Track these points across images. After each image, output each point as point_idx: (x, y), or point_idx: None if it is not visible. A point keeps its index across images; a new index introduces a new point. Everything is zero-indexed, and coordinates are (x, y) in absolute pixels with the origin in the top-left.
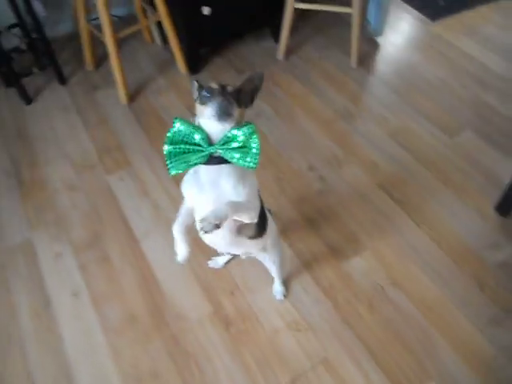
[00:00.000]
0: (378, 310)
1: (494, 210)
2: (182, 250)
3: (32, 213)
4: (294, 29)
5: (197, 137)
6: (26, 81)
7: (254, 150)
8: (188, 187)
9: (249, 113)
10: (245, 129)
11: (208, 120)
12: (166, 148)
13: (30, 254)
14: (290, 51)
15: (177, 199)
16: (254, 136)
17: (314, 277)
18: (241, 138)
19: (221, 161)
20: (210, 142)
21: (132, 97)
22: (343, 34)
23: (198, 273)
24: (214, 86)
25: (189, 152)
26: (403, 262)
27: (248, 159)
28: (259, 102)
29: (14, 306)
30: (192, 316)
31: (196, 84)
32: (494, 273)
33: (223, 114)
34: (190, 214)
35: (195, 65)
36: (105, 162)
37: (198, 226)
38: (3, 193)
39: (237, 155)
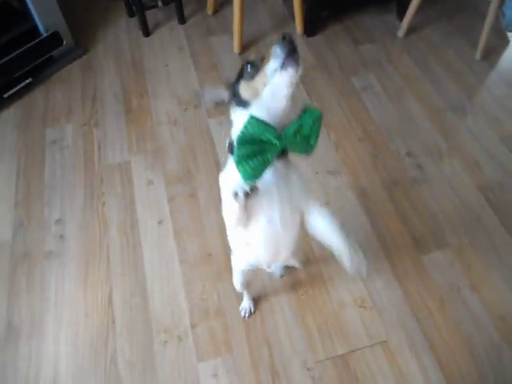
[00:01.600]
0: (450, 309)
1: None
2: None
3: (134, 138)
4: (421, 8)
5: (267, 133)
6: (148, 13)
7: (314, 139)
8: (239, 206)
9: (357, 85)
10: (313, 114)
11: (273, 83)
12: (239, 151)
13: (127, 176)
14: (411, 30)
15: None
16: (319, 123)
17: (390, 262)
18: (309, 127)
19: (285, 153)
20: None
21: (245, 47)
22: (471, 23)
23: None
24: (252, 57)
25: (261, 152)
26: (486, 267)
27: (307, 148)
28: (369, 76)
29: (106, 218)
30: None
31: (244, 69)
32: None
33: (295, 53)
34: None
35: (313, 27)
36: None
37: (362, 274)
38: (111, 115)
39: (301, 145)
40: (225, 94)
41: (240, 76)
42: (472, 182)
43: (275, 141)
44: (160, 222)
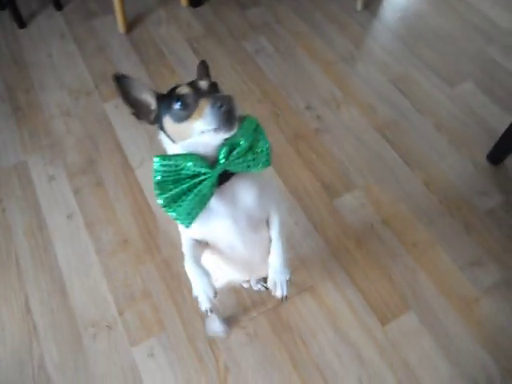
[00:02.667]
0: (366, 246)
1: (486, 160)
2: (204, 287)
3: (27, 136)
4: None
5: (190, 165)
6: (20, 3)
7: (265, 148)
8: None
9: (249, 49)
10: (245, 127)
11: (200, 136)
12: (161, 199)
13: (25, 177)
14: None
15: None
16: (260, 130)
17: (306, 212)
18: (245, 142)
19: (228, 174)
20: (209, 161)
21: (130, 26)
22: None
23: None
24: (184, 90)
25: (193, 188)
26: (393, 201)
27: (260, 160)
28: (260, 38)
29: (9, 224)
30: None
31: (151, 93)
32: (482, 219)
33: (231, 120)
34: (199, 248)
35: None
36: (101, 90)
37: (277, 294)
38: None
39: (247, 162)
40: (152, 101)
41: (168, 104)
42: (369, 124)
43: (206, 170)
44: (69, 217)
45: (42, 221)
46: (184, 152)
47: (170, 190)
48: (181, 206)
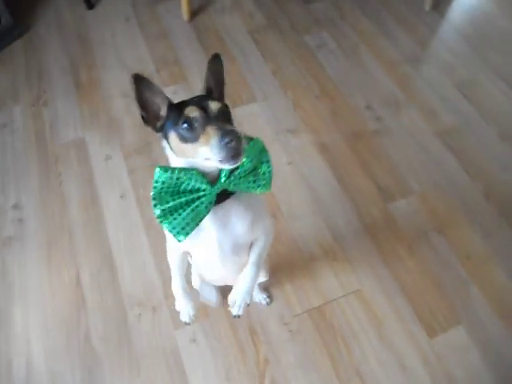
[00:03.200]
0: (418, 253)
1: None
2: (187, 308)
3: (87, 114)
4: None
5: (191, 180)
6: None
7: (267, 171)
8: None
9: (311, 43)
10: (251, 148)
11: (203, 161)
12: (158, 209)
13: (83, 153)
14: None
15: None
16: (265, 154)
17: (358, 213)
18: (249, 162)
19: (226, 193)
20: (209, 178)
21: (194, 13)
22: None
23: None
24: (194, 113)
25: (190, 202)
26: (449, 210)
27: (261, 182)
28: (322, 34)
29: (65, 197)
30: None
31: (165, 99)
32: None
33: (236, 156)
34: (184, 260)
35: None
36: (161, 74)
37: (232, 311)
38: (60, 92)
39: (248, 183)
40: (163, 108)
41: (175, 120)
42: (430, 129)
43: (206, 187)
44: (122, 196)
45: (95, 197)
46: (185, 166)
47: (167, 203)
48: (176, 219)
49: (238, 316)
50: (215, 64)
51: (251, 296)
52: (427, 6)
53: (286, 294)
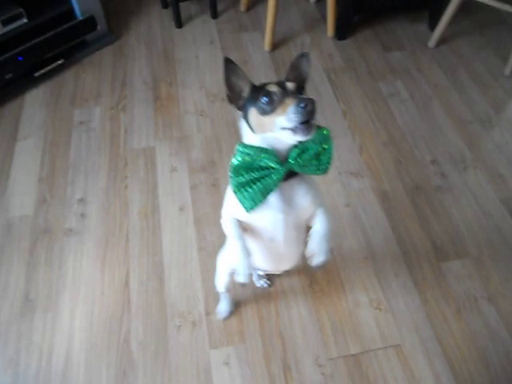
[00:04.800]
0: (466, 319)
1: None
2: (246, 265)
3: (160, 125)
4: (454, 20)
5: (265, 158)
6: (181, 5)
7: (328, 159)
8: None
9: (385, 91)
10: (318, 136)
11: (279, 132)
12: (234, 181)
13: (151, 161)
14: (442, 41)
15: None
16: (329, 143)
17: (409, 267)
18: (315, 147)
19: (290, 173)
20: (280, 158)
21: (275, 46)
22: (503, 38)
23: None
24: (273, 88)
25: (261, 178)
26: (505, 280)
27: (321, 168)
28: (397, 83)
29: (128, 201)
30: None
31: (248, 82)
32: None
33: (310, 123)
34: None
35: (344, 30)
36: None
37: (314, 260)
38: (139, 100)
39: (310, 166)
40: (246, 89)
41: (256, 98)
42: (495, 194)
43: (277, 166)
44: (181, 209)
45: (156, 206)
46: (260, 144)
47: (242, 176)
48: (248, 191)
49: (320, 267)
50: (301, 60)
51: (329, 248)
52: (508, 71)
53: (324, 335)
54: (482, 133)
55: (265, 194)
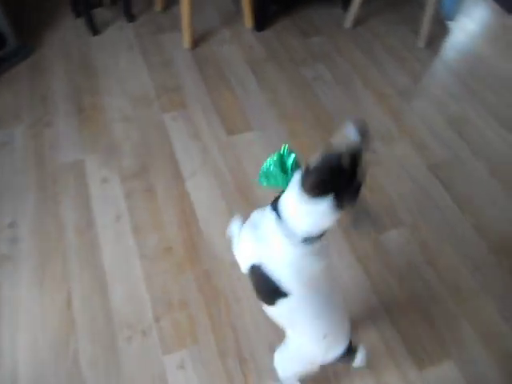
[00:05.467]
0: (409, 284)
1: None
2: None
3: (87, 137)
4: (365, 0)
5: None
6: (95, 12)
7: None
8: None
9: (308, 75)
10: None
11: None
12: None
13: (80, 175)
14: (357, 21)
15: (226, 148)
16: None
17: (349, 244)
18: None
19: None
20: None
21: (195, 44)
22: (415, 13)
23: None
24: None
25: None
26: (440, 243)
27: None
28: (319, 66)
29: (61, 219)
30: (226, 258)
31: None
32: None
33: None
34: None
35: (262, 21)
36: (161, 101)
37: None
38: (62, 114)
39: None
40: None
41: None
42: (422, 162)
43: None
44: (118, 219)
45: (91, 219)
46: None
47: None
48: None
49: None
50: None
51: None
52: (421, 43)
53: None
54: (403, 105)
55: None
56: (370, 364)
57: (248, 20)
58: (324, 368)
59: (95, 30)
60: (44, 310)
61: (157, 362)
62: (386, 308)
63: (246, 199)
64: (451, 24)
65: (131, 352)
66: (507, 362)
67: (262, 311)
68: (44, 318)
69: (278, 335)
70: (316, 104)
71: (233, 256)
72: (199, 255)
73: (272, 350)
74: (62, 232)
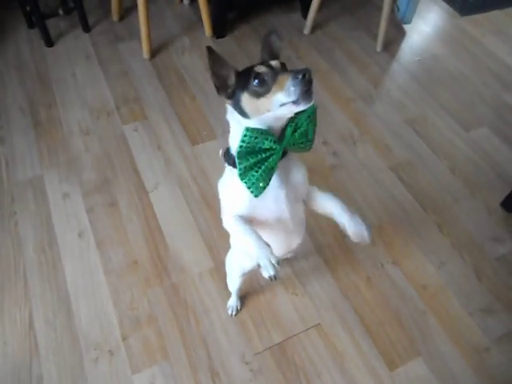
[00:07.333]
0: (376, 285)
1: (500, 206)
2: (270, 255)
3: (45, 152)
4: (324, 5)
5: (265, 140)
6: (49, 22)
7: (312, 136)
8: (246, 195)
9: None
10: (308, 112)
11: (277, 110)
12: (240, 167)
13: (40, 191)
14: (316, 27)
15: (190, 158)
16: (315, 118)
17: (316, 247)
18: (305, 123)
19: (283, 154)
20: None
21: (155, 52)
22: (371, 17)
23: (203, 229)
24: (262, 68)
25: (264, 160)
26: (405, 242)
27: (307, 144)
28: None
29: (20, 238)
30: (193, 270)
31: (231, 69)
32: (493, 265)
33: (310, 91)
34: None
35: (221, 29)
36: (121, 112)
37: (366, 234)
38: (18, 129)
39: (299, 144)
40: (231, 77)
41: (245, 82)
42: (385, 164)
43: (276, 146)
44: (80, 235)
45: (52, 237)
46: (256, 126)
47: (248, 160)
48: (254, 175)
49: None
50: (271, 38)
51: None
52: (379, 47)
53: (247, 331)
54: (364, 108)
55: (269, 175)
56: (340, 366)
57: (207, 27)
58: None
59: (50, 41)
60: (4, 334)
61: (126, 382)
62: (355, 310)
63: (211, 208)
64: (407, 27)
65: (99, 374)
66: (473, 356)
67: (233, 321)
68: (4, 343)
69: (249, 344)
70: None
71: (201, 267)
72: (166, 268)
73: (244, 361)
74: (22, 250)
